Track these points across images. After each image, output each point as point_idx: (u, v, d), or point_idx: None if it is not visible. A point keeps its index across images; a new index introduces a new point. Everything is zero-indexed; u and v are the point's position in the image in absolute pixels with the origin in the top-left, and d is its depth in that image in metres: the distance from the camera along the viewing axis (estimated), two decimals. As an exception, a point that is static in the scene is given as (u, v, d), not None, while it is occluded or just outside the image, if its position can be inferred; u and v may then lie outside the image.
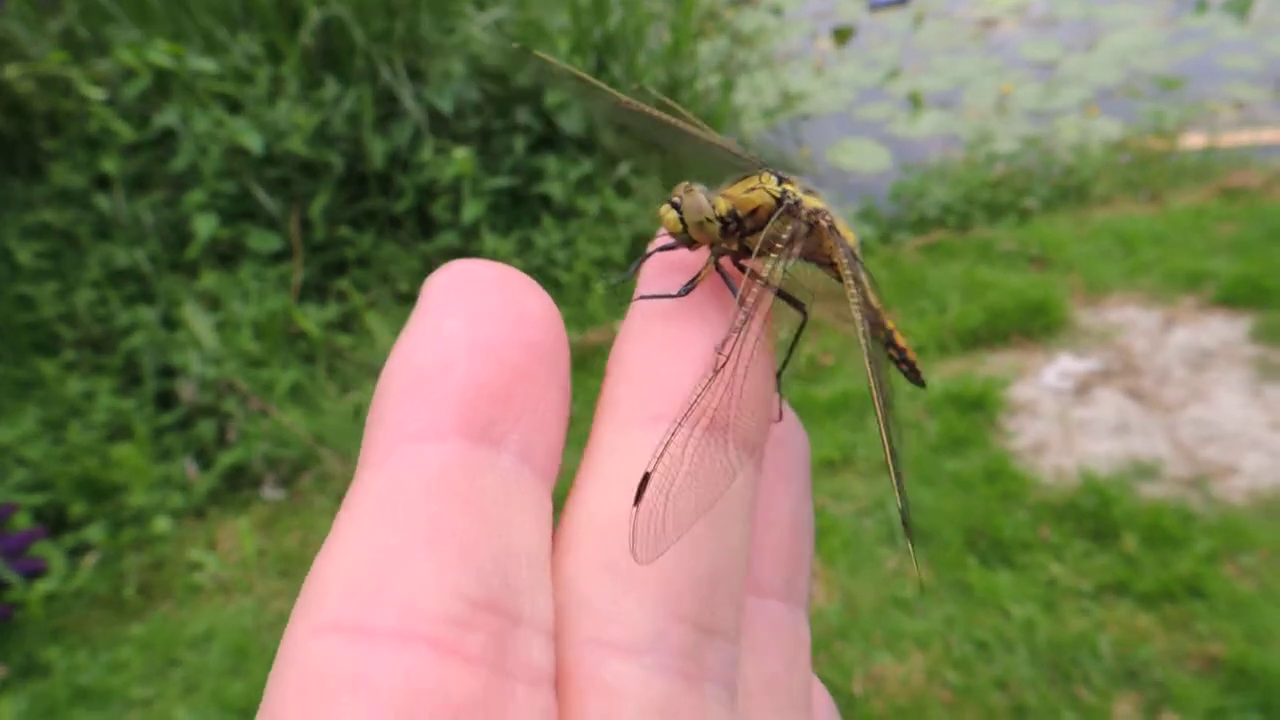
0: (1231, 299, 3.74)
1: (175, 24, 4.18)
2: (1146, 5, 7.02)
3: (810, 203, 0.57)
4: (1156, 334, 3.67)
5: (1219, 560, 2.68)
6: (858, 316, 0.54)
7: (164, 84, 3.99)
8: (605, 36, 4.66)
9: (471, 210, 4.12)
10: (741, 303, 0.49)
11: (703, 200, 0.55)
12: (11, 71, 3.69)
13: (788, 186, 0.57)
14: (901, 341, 0.65)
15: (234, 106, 4.11)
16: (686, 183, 0.57)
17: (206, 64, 3.96)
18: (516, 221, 4.34)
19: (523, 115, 4.36)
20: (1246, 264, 3.86)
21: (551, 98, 4.28)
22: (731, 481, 0.41)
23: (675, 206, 0.55)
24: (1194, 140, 5.15)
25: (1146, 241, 4.21)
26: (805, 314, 0.55)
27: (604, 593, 0.37)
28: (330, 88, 4.17)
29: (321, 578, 0.33)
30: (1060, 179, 4.86)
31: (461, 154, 4.09)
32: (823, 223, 0.57)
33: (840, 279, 0.57)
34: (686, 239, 0.55)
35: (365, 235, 4.22)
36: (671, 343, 0.44)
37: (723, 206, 0.56)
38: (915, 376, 0.67)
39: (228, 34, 4.18)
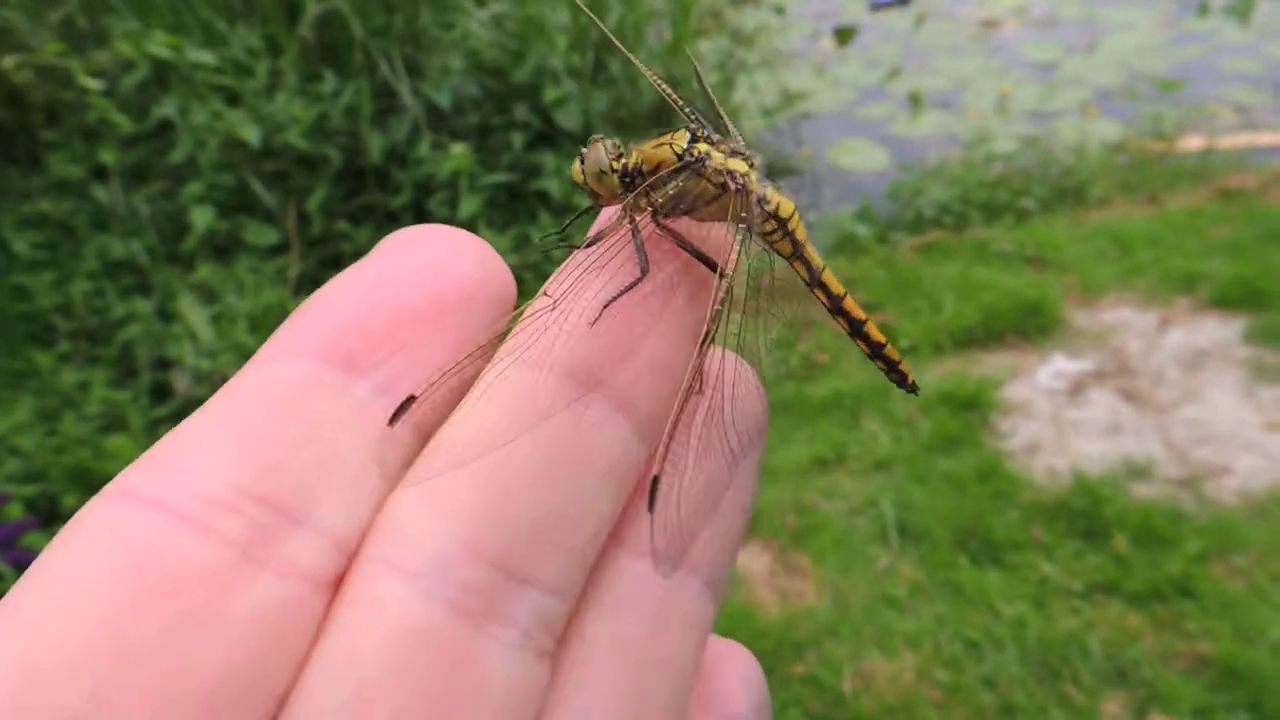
0: (1226, 300, 3.75)
1: (175, 16, 4.19)
2: (1148, 7, 7.02)
3: (728, 164, 0.56)
4: (1151, 335, 3.67)
5: (1209, 560, 2.69)
6: (716, 295, 0.49)
7: (163, 76, 4.00)
8: (604, 34, 4.65)
9: (469, 206, 4.12)
10: (599, 242, 0.49)
11: (602, 153, 0.55)
12: (9, 62, 3.69)
13: (704, 146, 0.56)
14: (878, 336, 0.64)
15: (232, 99, 4.11)
16: (599, 135, 0.57)
17: (205, 56, 3.97)
18: (514, 217, 4.34)
19: (521, 111, 4.36)
20: (1242, 266, 3.87)
21: (550, 94, 4.28)
22: (575, 430, 0.41)
23: (581, 159, 0.55)
24: (1192, 142, 5.15)
25: (1143, 243, 4.21)
26: (719, 274, 0.50)
27: (409, 514, 0.38)
28: (329, 81, 4.18)
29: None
30: (1058, 180, 4.87)
31: (459, 149, 4.10)
32: (733, 184, 0.55)
33: (770, 249, 0.57)
34: (590, 192, 0.56)
35: (362, 230, 4.22)
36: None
37: (633, 160, 0.56)
38: (902, 380, 0.67)
39: (227, 26, 4.18)
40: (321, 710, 0.36)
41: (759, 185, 0.56)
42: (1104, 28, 6.81)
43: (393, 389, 0.40)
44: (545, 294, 0.45)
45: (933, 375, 3.54)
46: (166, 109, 3.90)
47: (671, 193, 0.54)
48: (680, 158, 0.56)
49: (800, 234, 0.59)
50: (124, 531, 0.35)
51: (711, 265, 0.51)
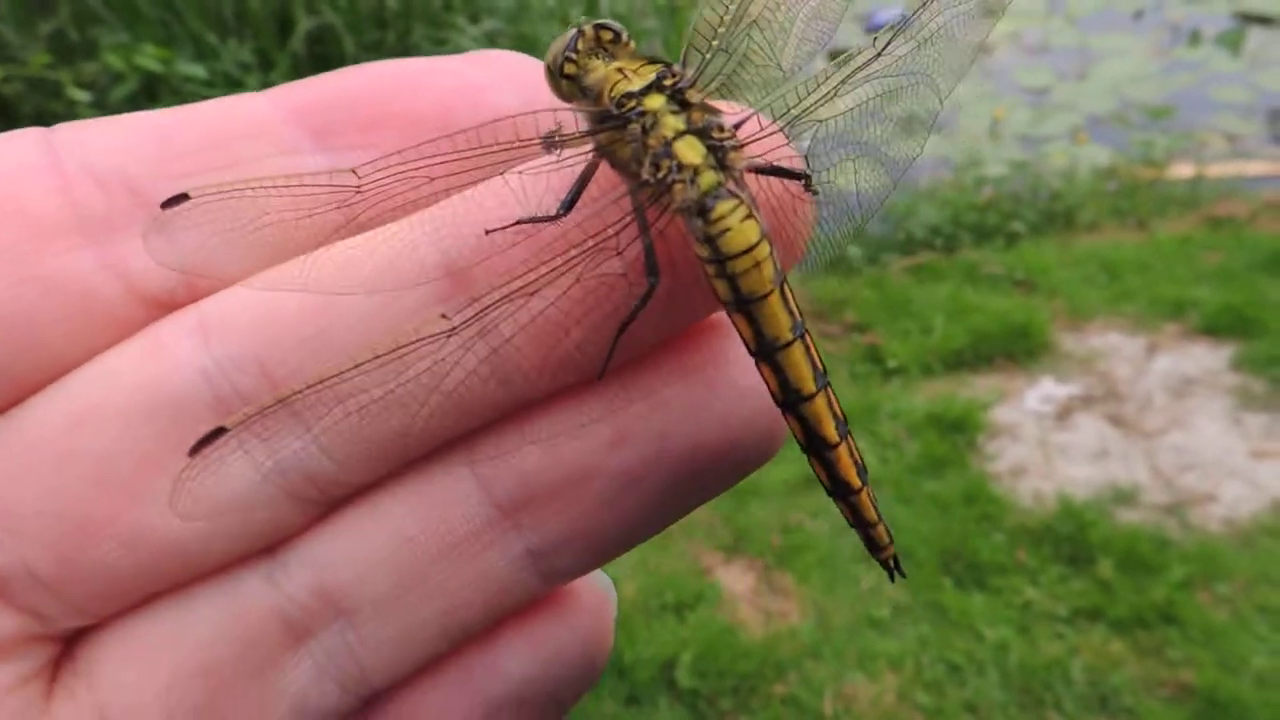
0: (1214, 328, 3.75)
1: (165, 28, 4.19)
2: (1140, 35, 7.06)
3: (675, 146, 0.45)
4: (1139, 360, 3.67)
5: (1194, 588, 2.67)
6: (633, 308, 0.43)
7: (152, 88, 3.99)
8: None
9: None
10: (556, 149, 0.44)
11: (561, 45, 0.47)
12: (-3, 72, 3.69)
13: (656, 103, 0.45)
14: (869, 511, 0.50)
15: (223, 112, 4.11)
16: (594, 20, 0.49)
17: (196, 69, 3.96)
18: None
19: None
20: (1230, 293, 3.87)
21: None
22: (409, 316, 0.40)
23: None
24: (1182, 170, 5.17)
25: (1131, 268, 4.22)
26: (649, 287, 0.43)
27: (243, 301, 0.40)
28: (320, 96, 4.17)
29: None
30: (1047, 204, 4.88)
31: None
32: (653, 175, 0.45)
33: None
34: (549, 83, 0.47)
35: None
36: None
37: (591, 74, 0.47)
38: (884, 559, 0.52)
39: (218, 40, 4.18)
40: (42, 420, 0.38)
41: (718, 193, 0.44)
42: (1096, 54, 6.84)
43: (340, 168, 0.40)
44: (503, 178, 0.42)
45: (921, 397, 3.53)
46: (156, 120, 3.89)
47: (591, 142, 0.45)
48: (607, 107, 0.46)
49: (752, 284, 0.43)
50: (1, 152, 0.37)
51: (651, 265, 0.43)
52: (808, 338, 0.46)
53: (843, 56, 0.50)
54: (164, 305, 0.39)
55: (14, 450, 0.37)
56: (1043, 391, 3.56)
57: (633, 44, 0.49)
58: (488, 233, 0.40)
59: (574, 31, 0.46)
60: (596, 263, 0.43)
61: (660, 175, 0.45)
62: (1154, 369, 3.62)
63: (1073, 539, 2.84)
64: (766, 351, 0.45)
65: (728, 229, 0.43)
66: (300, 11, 4.19)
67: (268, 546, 0.41)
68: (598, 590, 0.49)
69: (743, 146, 0.46)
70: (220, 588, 0.40)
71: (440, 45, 4.42)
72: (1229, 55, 6.70)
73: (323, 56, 4.34)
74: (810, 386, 0.46)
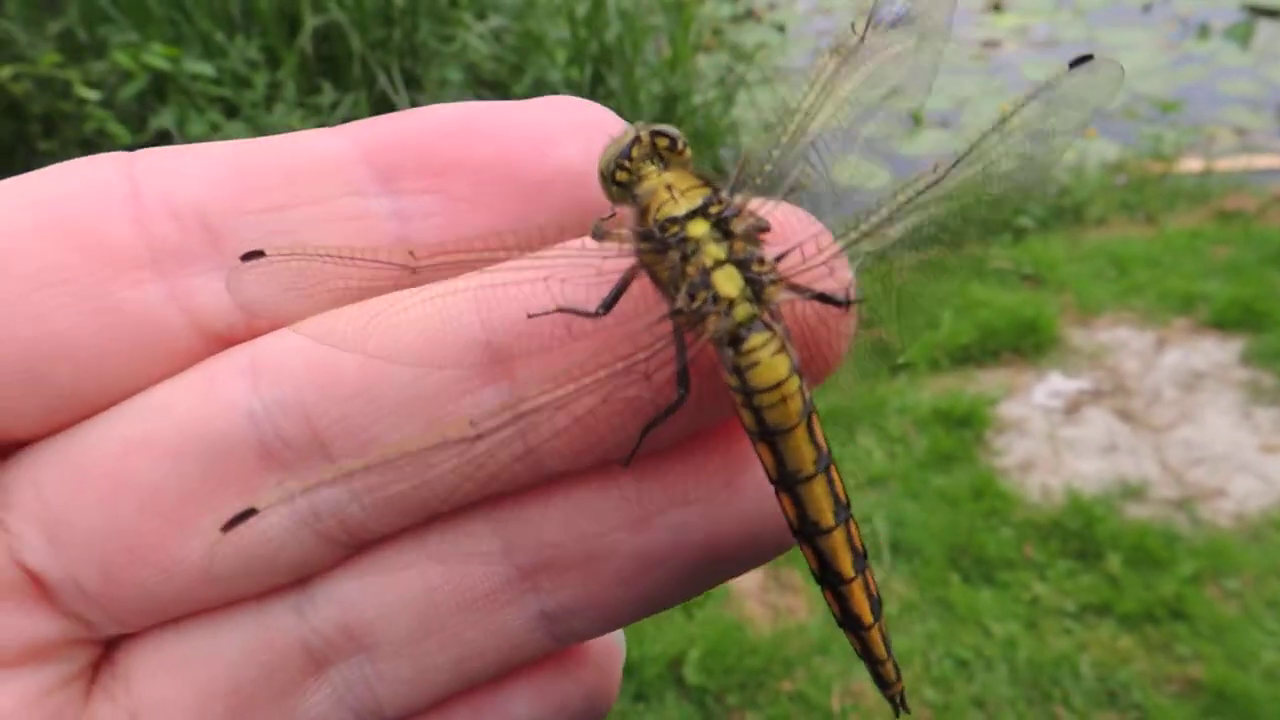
0: (1224, 322, 3.73)
1: (173, 27, 4.20)
2: (1149, 29, 7.04)
3: (714, 275, 0.44)
4: (1148, 355, 3.66)
5: (1203, 583, 2.67)
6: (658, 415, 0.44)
7: (160, 87, 4.00)
8: (603, 48, 4.66)
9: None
10: (603, 245, 0.45)
11: (615, 152, 0.45)
12: (6, 72, 3.70)
13: (700, 231, 0.44)
14: (879, 649, 0.49)
15: (230, 110, 4.12)
16: (648, 125, 0.47)
17: (204, 67, 3.97)
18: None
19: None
20: (1240, 287, 3.85)
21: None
22: (453, 392, 0.41)
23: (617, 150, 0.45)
24: (1191, 164, 5.15)
25: (1140, 263, 4.20)
26: (678, 398, 0.44)
27: (298, 346, 0.42)
28: (327, 94, 4.18)
29: None
30: (1056, 199, 4.86)
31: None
32: (689, 304, 0.44)
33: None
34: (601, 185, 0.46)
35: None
36: None
37: (642, 183, 0.46)
38: (890, 695, 0.51)
39: (225, 38, 4.19)
40: (100, 444, 0.39)
41: (752, 325, 0.43)
42: (1105, 49, 6.81)
43: (405, 219, 0.41)
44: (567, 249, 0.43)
45: (928, 392, 3.53)
46: (164, 120, 3.90)
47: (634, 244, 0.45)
48: (650, 228, 0.45)
49: (778, 418, 0.43)
50: (85, 178, 0.39)
51: (683, 379, 0.44)
52: (833, 470, 0.46)
53: (901, 183, 0.50)
54: (223, 340, 0.41)
55: (72, 469, 0.40)
56: (1051, 386, 3.55)
57: (688, 152, 0.48)
58: (530, 316, 0.42)
59: (632, 136, 0.45)
60: (624, 385, 0.44)
61: (695, 305, 0.44)
62: (1163, 363, 3.60)
63: (1081, 534, 2.83)
64: (787, 482, 0.45)
65: (757, 363, 0.43)
66: (307, 9, 4.20)
67: (297, 580, 0.43)
68: (609, 645, 0.51)
69: (781, 281, 0.45)
70: (250, 614, 0.43)
71: (447, 43, 4.43)
72: (1238, 48, 6.67)
73: (330, 55, 4.35)
74: (829, 520, 0.46)
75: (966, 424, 3.34)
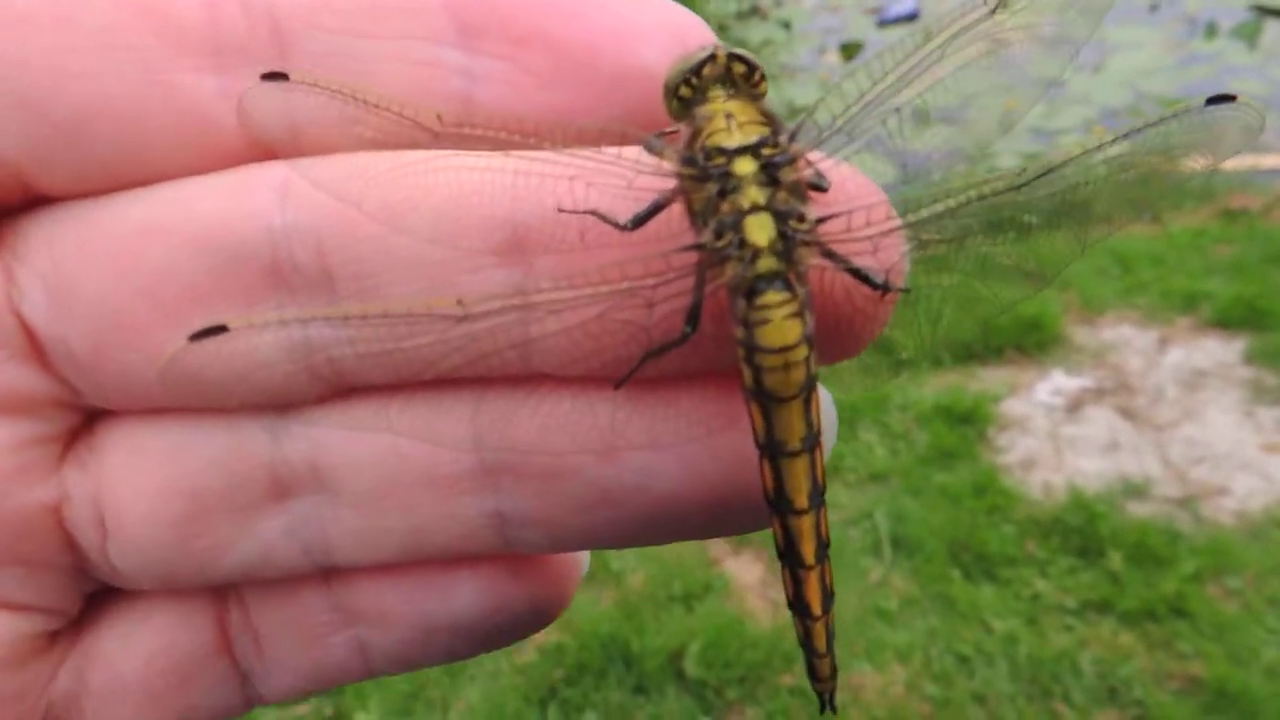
0: (1227, 320, 3.73)
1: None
2: (1156, 28, 7.02)
3: (746, 220, 0.42)
4: (1151, 353, 3.66)
5: (1204, 581, 2.66)
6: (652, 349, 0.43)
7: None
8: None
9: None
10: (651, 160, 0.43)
11: (682, 65, 0.42)
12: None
13: (747, 169, 0.42)
14: (812, 592, 0.47)
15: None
16: (726, 46, 0.44)
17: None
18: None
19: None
20: (1243, 286, 3.85)
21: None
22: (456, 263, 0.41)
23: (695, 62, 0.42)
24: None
25: (1144, 261, 4.20)
26: (683, 333, 0.43)
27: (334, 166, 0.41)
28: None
29: None
30: (1061, 197, 4.85)
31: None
32: (711, 240, 0.42)
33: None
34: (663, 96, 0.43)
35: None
36: None
37: (704, 106, 0.43)
38: (819, 690, 0.52)
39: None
40: (123, 218, 0.39)
41: (772, 280, 0.42)
42: (1111, 47, 6.80)
43: (473, 78, 0.40)
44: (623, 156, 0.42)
45: (930, 388, 3.53)
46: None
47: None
48: (696, 153, 0.43)
49: (776, 384, 0.42)
50: None
51: (694, 316, 0.42)
52: (817, 453, 0.44)
53: (982, 179, 0.47)
54: (268, 153, 0.40)
55: (89, 235, 0.39)
56: (1054, 384, 3.55)
57: (764, 85, 0.46)
58: (560, 210, 0.40)
59: (707, 53, 0.42)
60: (623, 306, 0.42)
61: (720, 244, 0.43)
62: (1166, 362, 3.60)
63: (1083, 531, 2.83)
64: (771, 451, 0.43)
65: (768, 321, 0.42)
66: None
67: (278, 407, 0.43)
68: (568, 561, 0.49)
69: (817, 245, 0.43)
70: (227, 425, 0.43)
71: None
72: (1245, 48, 6.66)
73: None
74: (803, 502, 0.44)
75: (969, 421, 3.34)
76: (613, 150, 0.42)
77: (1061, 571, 2.74)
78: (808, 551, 0.45)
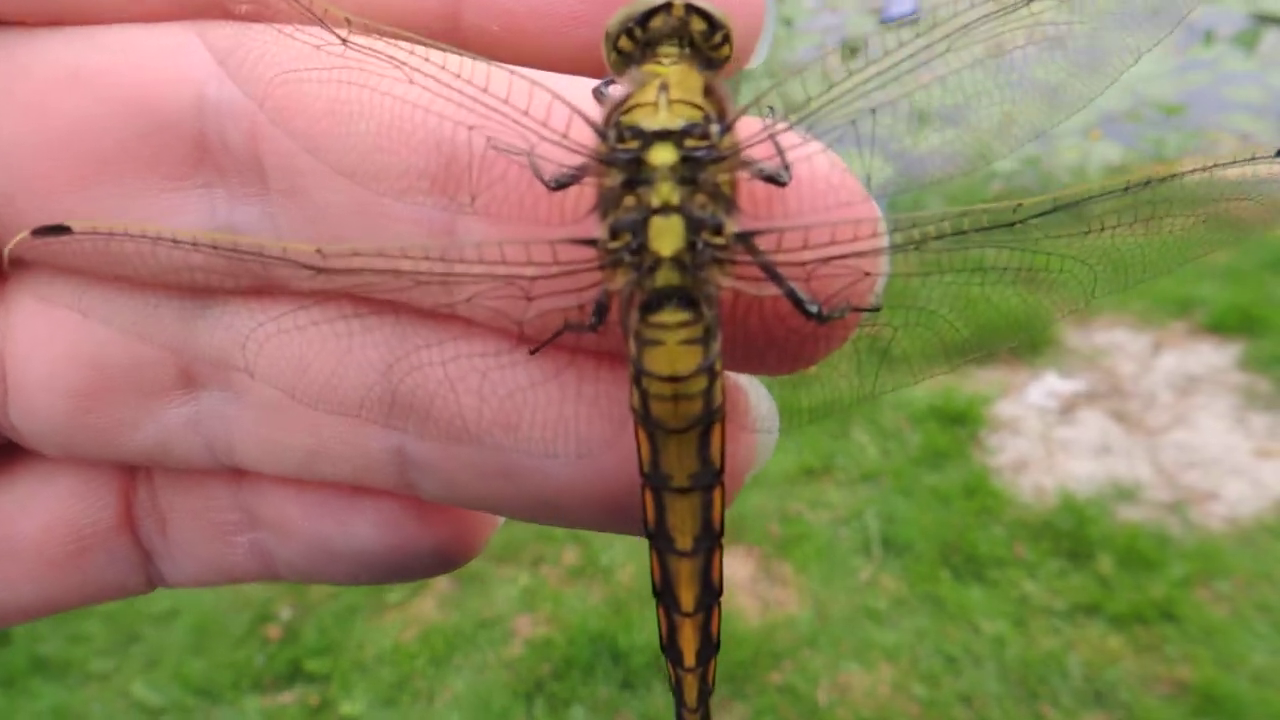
0: (1221, 326, 3.73)
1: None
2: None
3: (656, 188, 0.35)
4: (1144, 357, 3.66)
5: (1193, 585, 2.66)
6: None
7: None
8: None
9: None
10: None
11: (629, 12, 0.36)
12: None
13: (665, 158, 0.35)
14: (687, 642, 0.43)
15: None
16: None
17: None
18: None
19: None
20: (1237, 292, 3.85)
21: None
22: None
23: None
24: (1193, 168, 5.14)
25: (1140, 265, 4.20)
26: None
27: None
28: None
29: None
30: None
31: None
32: (610, 241, 0.37)
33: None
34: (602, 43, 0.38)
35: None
36: None
37: (641, 67, 0.37)
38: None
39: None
40: (54, 60, 0.37)
41: (672, 297, 0.36)
42: (1110, 51, 6.80)
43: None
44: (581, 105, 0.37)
45: (924, 389, 3.52)
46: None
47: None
48: (609, 128, 0.37)
49: (661, 413, 0.37)
50: None
51: (599, 311, 0.38)
52: (715, 494, 0.39)
53: (971, 211, 0.40)
54: (223, 12, 0.37)
55: (16, 73, 0.37)
56: (1046, 386, 3.55)
57: (726, 50, 0.38)
58: (491, 145, 0.36)
59: (662, 2, 0.36)
60: (497, 294, 0.37)
61: (614, 244, 0.36)
62: (1159, 366, 3.60)
63: (1073, 534, 2.83)
64: (654, 484, 0.39)
65: (659, 343, 0.36)
66: None
67: (196, 293, 0.40)
68: (481, 517, 0.48)
69: (735, 264, 0.36)
70: (139, 302, 0.40)
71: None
72: (1243, 55, 6.66)
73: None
74: (686, 544, 0.40)
75: (961, 422, 3.34)
76: (520, 103, 0.36)
77: (1051, 574, 2.74)
78: (686, 598, 0.41)
